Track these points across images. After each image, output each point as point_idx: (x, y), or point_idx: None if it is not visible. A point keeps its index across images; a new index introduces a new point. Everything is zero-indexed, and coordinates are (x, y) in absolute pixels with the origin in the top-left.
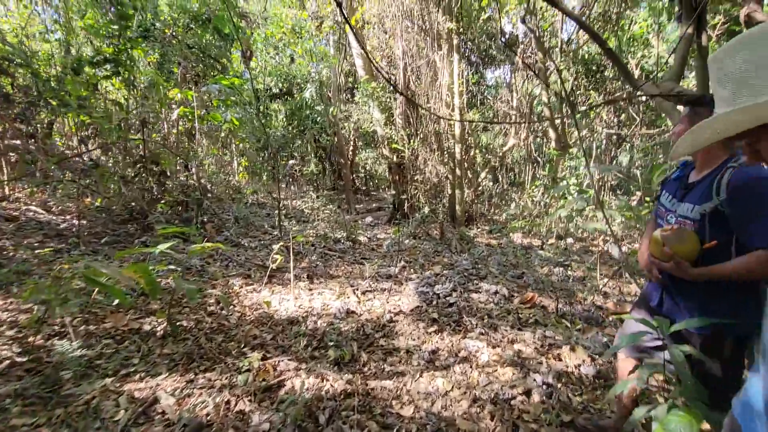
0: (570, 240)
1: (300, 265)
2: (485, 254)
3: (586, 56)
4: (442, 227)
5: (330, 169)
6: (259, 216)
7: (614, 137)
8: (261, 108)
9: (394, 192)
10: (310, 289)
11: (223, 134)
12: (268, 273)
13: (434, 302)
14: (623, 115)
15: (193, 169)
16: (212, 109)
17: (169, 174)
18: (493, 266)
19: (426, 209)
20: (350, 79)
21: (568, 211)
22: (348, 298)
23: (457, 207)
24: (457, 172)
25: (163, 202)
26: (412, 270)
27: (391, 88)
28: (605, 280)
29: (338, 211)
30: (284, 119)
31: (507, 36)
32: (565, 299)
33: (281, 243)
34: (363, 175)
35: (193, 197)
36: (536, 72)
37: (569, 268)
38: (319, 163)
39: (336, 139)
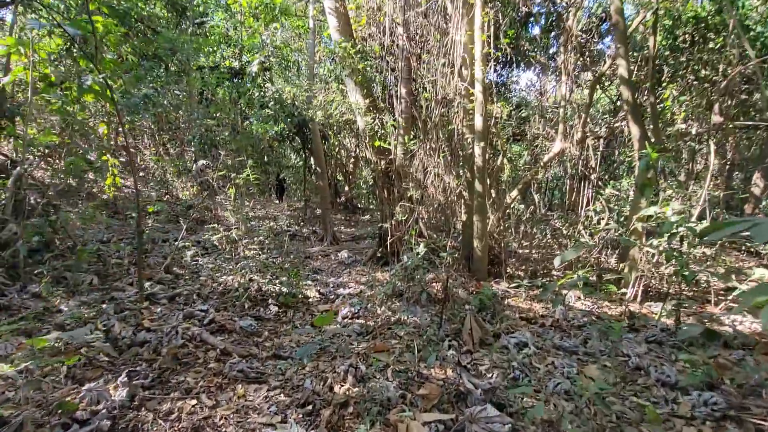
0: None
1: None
2: (530, 355)
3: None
4: (447, 284)
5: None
6: (167, 243)
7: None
8: (203, 90)
9: (381, 214)
10: None
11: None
12: None
13: None
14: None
15: (19, 167)
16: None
17: None
18: (564, 416)
19: (421, 247)
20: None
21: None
22: None
23: (476, 243)
24: (477, 186)
25: None
26: (358, 417)
27: (378, 58)
28: None
29: (307, 237)
30: (234, 106)
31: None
32: None
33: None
34: (365, 189)
35: None
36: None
37: None
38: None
39: (312, 136)
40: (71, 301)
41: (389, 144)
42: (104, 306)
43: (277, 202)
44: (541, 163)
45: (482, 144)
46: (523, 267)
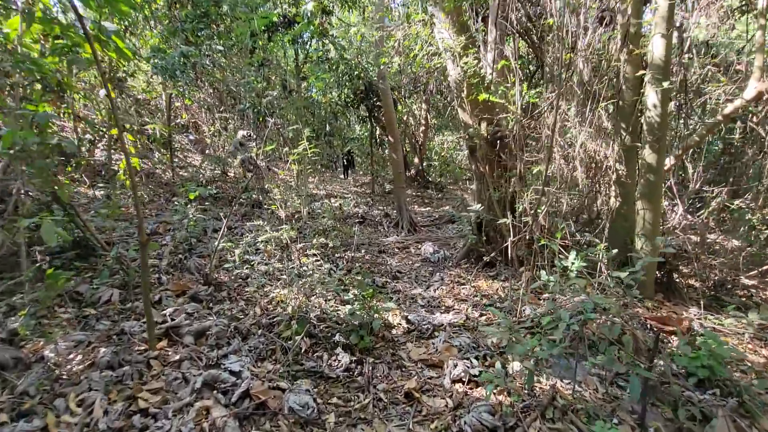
0: None
1: None
2: None
3: None
4: (657, 340)
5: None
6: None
7: None
8: (254, 46)
9: (478, 196)
10: None
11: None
12: None
13: None
14: None
15: None
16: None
17: None
18: None
19: (572, 259)
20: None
21: None
22: None
23: (641, 243)
24: (647, 155)
25: None
26: None
27: None
28: None
29: (388, 224)
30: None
31: None
32: None
33: None
34: (438, 161)
35: None
36: None
37: None
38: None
39: (383, 98)
40: (63, 341)
41: (500, 97)
42: (102, 351)
43: (343, 177)
44: (720, 116)
45: (664, 85)
46: (693, 274)
